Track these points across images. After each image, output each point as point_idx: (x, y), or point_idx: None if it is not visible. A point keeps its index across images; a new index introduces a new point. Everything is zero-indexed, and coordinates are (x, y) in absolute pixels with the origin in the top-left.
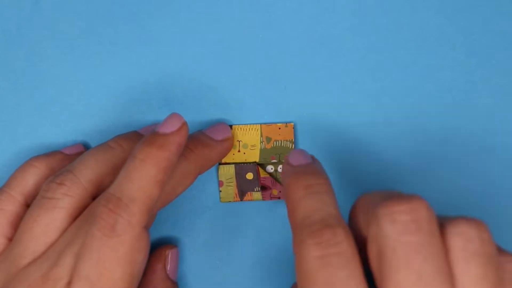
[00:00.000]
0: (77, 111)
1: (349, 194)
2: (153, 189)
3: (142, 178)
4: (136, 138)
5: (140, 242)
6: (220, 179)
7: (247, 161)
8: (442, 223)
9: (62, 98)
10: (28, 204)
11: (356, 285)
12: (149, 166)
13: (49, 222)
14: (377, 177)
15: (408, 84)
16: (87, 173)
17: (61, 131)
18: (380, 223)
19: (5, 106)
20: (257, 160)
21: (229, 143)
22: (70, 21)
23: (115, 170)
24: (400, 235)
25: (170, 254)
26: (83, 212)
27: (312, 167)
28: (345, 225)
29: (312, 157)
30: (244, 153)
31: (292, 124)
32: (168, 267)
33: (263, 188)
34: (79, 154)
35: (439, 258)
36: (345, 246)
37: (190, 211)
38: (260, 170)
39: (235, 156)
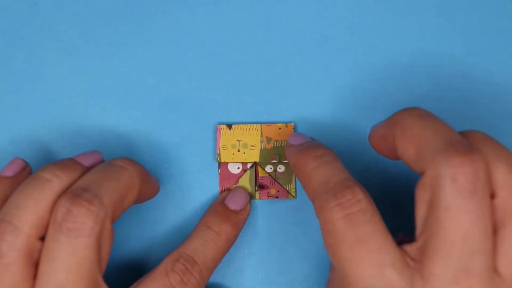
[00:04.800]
0: (77, 112)
1: None
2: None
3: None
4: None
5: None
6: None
7: (247, 161)
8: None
9: (61, 99)
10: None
11: (382, 238)
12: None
13: None
14: (377, 177)
15: (408, 84)
16: (23, 216)
17: (61, 132)
18: (441, 176)
19: (5, 107)
20: (257, 160)
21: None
22: (70, 23)
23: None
24: (457, 196)
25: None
26: None
27: (315, 142)
28: (361, 185)
29: (312, 138)
30: (244, 153)
31: (293, 124)
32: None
33: (261, 187)
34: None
35: (486, 222)
36: (365, 203)
37: (189, 211)
38: (260, 169)
39: (235, 155)
